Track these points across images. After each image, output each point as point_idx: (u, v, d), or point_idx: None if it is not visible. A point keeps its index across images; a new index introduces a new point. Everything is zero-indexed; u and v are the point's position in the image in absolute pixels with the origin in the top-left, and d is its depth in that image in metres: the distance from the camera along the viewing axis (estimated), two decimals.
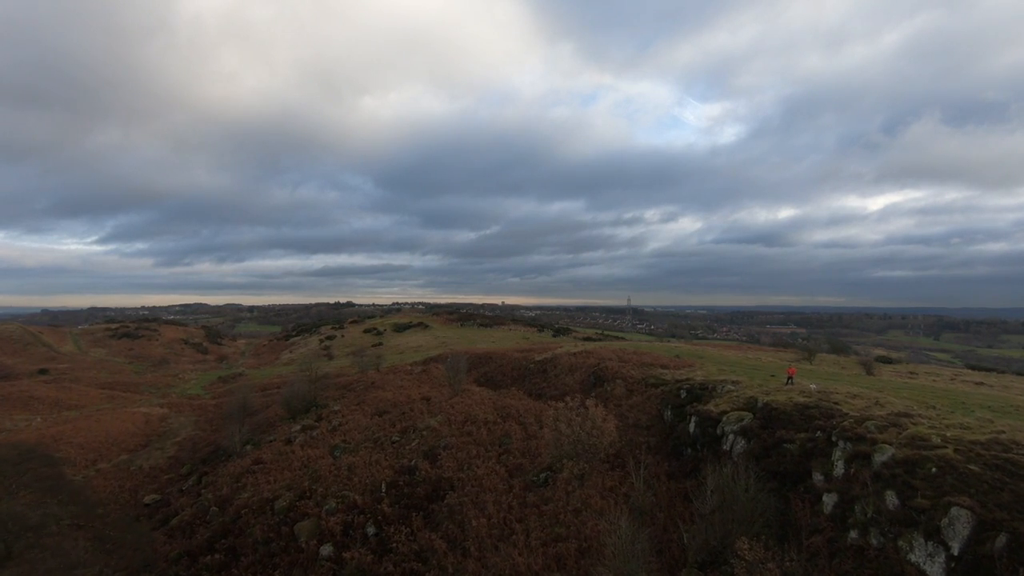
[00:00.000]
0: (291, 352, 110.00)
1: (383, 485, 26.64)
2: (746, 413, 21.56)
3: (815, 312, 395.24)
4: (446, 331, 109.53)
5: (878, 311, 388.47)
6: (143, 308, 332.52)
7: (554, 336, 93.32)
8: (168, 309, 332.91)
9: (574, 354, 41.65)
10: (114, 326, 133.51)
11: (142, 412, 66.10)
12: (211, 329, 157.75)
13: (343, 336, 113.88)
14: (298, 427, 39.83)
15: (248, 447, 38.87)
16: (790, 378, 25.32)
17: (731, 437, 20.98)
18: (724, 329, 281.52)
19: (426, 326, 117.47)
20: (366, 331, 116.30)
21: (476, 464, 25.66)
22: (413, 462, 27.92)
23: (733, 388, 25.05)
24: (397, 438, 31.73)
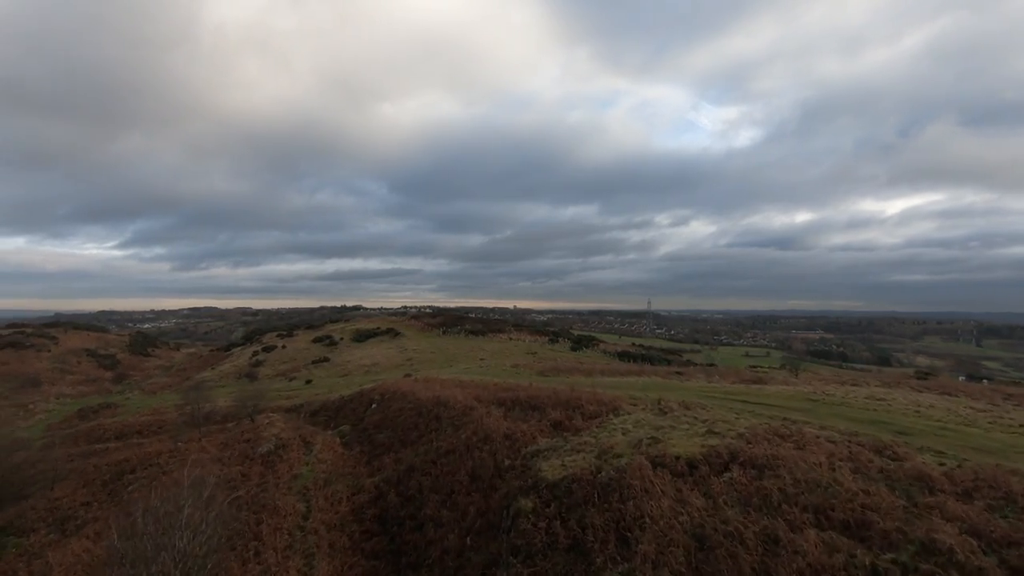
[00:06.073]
0: (214, 369, 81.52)
1: None
2: None
3: (839, 316, 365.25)
4: (420, 341, 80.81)
5: (902, 315, 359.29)
6: (151, 312, 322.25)
7: (573, 349, 64.27)
8: (177, 313, 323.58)
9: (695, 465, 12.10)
10: (5, 332, 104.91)
11: None
12: (143, 336, 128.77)
13: (285, 347, 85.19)
14: None
15: None
16: None
17: None
18: (749, 335, 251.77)
19: (397, 334, 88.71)
20: (316, 340, 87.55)
21: None
22: None
23: None
24: None
